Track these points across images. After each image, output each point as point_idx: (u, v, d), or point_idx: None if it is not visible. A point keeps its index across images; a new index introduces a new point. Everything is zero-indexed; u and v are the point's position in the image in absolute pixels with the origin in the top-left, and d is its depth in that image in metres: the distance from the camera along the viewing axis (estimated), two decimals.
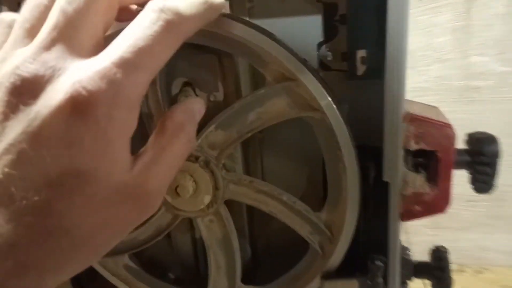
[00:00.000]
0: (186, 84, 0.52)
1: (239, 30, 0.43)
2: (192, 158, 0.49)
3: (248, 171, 0.56)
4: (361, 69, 0.45)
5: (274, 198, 0.50)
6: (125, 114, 0.26)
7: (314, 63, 0.51)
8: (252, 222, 0.61)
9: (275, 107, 0.46)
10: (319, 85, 0.43)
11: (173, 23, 0.29)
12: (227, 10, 0.44)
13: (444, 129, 0.42)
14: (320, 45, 0.51)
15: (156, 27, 0.28)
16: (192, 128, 0.33)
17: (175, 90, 0.52)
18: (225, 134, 0.48)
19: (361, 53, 0.45)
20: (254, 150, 0.56)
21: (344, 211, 0.47)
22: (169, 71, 0.52)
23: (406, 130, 0.45)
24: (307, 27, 0.51)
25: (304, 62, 0.43)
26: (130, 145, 0.28)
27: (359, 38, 0.45)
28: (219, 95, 0.51)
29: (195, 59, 0.51)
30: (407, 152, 0.46)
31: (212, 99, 0.51)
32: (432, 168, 0.46)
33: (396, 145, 0.44)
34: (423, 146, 0.45)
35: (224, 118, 0.48)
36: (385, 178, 0.46)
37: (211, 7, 0.34)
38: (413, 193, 0.47)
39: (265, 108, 0.46)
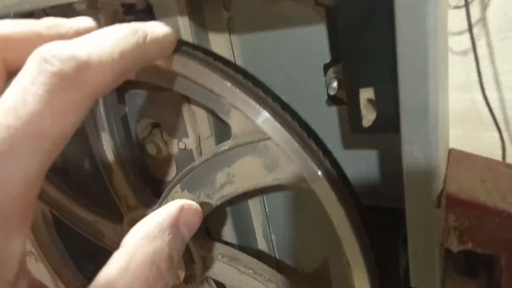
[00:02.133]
0: (154, 125, 0.41)
1: (187, 67, 0.30)
2: None
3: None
4: (368, 117, 0.28)
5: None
6: None
7: (320, 93, 0.37)
8: None
9: (247, 168, 0.33)
10: (300, 149, 0.29)
11: (66, 76, 0.21)
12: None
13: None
14: (326, 67, 0.35)
15: (36, 88, 0.20)
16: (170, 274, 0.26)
17: (142, 132, 0.42)
18: (192, 197, 0.37)
19: (367, 94, 0.28)
20: None
21: None
22: (133, 111, 0.41)
23: (444, 219, 0.28)
24: (307, 42, 0.35)
25: (278, 111, 0.31)
26: None
27: (363, 68, 0.28)
28: (190, 143, 0.39)
29: (160, 98, 0.39)
30: (448, 252, 0.29)
31: (181, 147, 0.39)
32: (490, 277, 0.28)
33: (428, 241, 0.28)
34: (472, 247, 0.27)
35: (188, 178, 0.36)
36: (413, 284, 0.30)
37: (147, 43, 0.26)
38: None
39: (236, 169, 0.33)
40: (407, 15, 0.24)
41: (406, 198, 0.29)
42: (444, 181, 0.29)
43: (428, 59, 0.24)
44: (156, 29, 0.28)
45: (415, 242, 0.29)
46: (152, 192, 0.45)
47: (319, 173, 0.30)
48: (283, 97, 0.39)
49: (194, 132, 0.39)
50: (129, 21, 0.40)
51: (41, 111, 0.20)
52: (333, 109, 0.38)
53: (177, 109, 0.39)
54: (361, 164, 0.39)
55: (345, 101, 0.36)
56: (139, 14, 0.38)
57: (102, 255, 0.33)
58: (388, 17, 0.26)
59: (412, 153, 0.27)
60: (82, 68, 0.22)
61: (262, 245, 0.48)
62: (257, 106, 0.30)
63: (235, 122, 0.32)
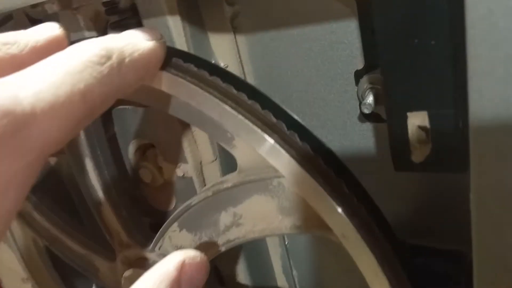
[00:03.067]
0: (148, 146, 0.35)
1: (177, 88, 0.24)
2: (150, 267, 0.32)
3: None
4: (419, 150, 0.21)
5: None
6: None
7: (350, 107, 0.29)
8: None
9: (258, 210, 0.26)
10: (325, 193, 0.22)
11: (1, 140, 0.16)
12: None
13: None
14: (358, 75, 0.27)
15: None
16: None
17: (134, 156, 0.35)
18: (192, 238, 0.30)
19: (418, 119, 0.20)
20: None
21: None
22: (123, 131, 0.34)
23: None
24: (333, 43, 0.28)
25: (295, 142, 0.23)
26: None
27: (412, 83, 0.20)
28: (189, 169, 0.32)
29: (153, 115, 0.32)
30: None
31: (179, 174, 0.32)
32: None
33: None
34: None
35: (186, 216, 0.29)
36: None
37: (123, 69, 0.20)
38: None
39: (244, 210, 0.27)
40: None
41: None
42: None
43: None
44: (137, 45, 0.21)
45: None
46: (151, 225, 0.38)
47: (351, 226, 0.22)
48: (302, 113, 0.32)
49: (194, 158, 0.32)
50: (113, 22, 0.33)
51: None
52: (368, 126, 0.30)
53: (174, 128, 0.32)
54: (406, 196, 0.31)
55: (384, 119, 0.28)
56: (123, 14, 0.31)
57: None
58: (451, 8, 0.18)
59: (486, 207, 0.19)
60: (23, 126, 0.16)
61: (282, 283, 0.40)
62: (266, 135, 0.23)
63: (240, 154, 0.25)
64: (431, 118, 0.20)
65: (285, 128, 0.23)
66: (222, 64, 0.32)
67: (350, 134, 0.31)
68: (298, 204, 0.24)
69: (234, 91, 0.24)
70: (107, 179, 0.33)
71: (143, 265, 0.35)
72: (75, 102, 0.17)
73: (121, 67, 0.20)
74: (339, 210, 0.22)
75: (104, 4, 0.31)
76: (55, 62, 0.18)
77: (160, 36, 0.23)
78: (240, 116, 0.23)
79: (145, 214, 0.39)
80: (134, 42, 0.21)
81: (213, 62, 0.32)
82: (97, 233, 0.38)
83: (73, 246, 0.40)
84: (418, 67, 0.20)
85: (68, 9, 0.32)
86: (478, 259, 0.21)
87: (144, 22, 0.29)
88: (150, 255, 0.34)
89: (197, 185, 0.33)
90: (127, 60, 0.20)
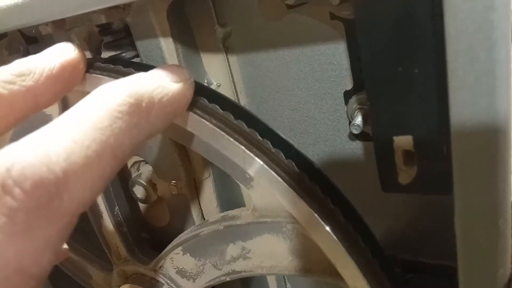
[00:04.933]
0: (142, 163, 0.35)
1: (200, 129, 0.24)
2: (148, 284, 0.33)
3: None
4: (405, 173, 0.21)
5: None
6: None
7: (340, 126, 0.30)
8: None
9: (268, 248, 0.27)
10: (342, 248, 0.23)
11: (36, 210, 0.15)
12: None
13: None
14: (347, 95, 0.28)
15: None
16: None
17: (129, 171, 0.35)
18: (195, 263, 0.30)
19: (403, 142, 0.21)
20: None
21: None
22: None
23: None
24: (322, 63, 0.28)
25: (312, 189, 0.23)
26: None
27: (397, 107, 0.21)
28: (183, 187, 0.32)
29: None
30: None
31: (173, 192, 0.33)
32: None
33: None
34: None
35: (192, 243, 0.29)
36: None
37: (152, 117, 0.19)
38: None
39: (253, 245, 0.27)
40: (463, 27, 0.16)
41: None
42: None
43: (498, 97, 0.16)
44: (166, 88, 0.20)
45: None
46: (147, 240, 0.38)
47: (362, 278, 0.22)
48: (293, 131, 0.32)
49: (187, 175, 0.32)
50: (107, 42, 0.34)
51: (5, 260, 0.14)
52: (358, 144, 0.30)
53: (168, 146, 0.32)
54: (397, 211, 0.31)
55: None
56: (117, 34, 0.32)
57: None
58: (434, 30, 0.18)
59: (470, 229, 0.19)
60: (57, 194, 0.15)
61: None
62: (286, 184, 0.23)
63: (258, 195, 0.25)
64: (416, 142, 0.21)
65: (308, 178, 0.23)
66: (215, 83, 0.32)
67: (340, 152, 0.31)
68: (311, 249, 0.25)
69: (259, 138, 0.24)
70: (110, 194, 0.33)
71: (140, 281, 0.35)
72: (105, 159, 0.17)
73: (150, 115, 0.19)
74: (354, 264, 0.22)
75: (97, 25, 0.32)
76: (82, 114, 0.17)
77: (188, 76, 0.22)
78: (262, 163, 0.23)
79: (144, 230, 0.39)
80: (163, 85, 0.20)
81: (205, 81, 0.32)
82: (91, 241, 0.38)
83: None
84: (403, 94, 0.20)
85: (62, 30, 0.32)
86: (464, 280, 0.21)
87: (138, 43, 0.30)
88: (149, 273, 0.34)
89: (191, 203, 0.33)
90: (156, 106, 0.19)
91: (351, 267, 0.23)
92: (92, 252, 0.40)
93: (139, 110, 0.18)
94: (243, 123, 0.24)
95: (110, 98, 0.18)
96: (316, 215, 0.22)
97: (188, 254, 0.31)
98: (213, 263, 0.30)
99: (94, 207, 0.34)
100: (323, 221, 0.22)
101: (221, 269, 0.29)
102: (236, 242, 0.27)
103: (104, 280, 0.40)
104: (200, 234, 0.29)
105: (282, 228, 0.25)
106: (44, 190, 0.15)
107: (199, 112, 0.24)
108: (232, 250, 0.28)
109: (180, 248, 0.31)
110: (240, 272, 0.28)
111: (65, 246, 0.24)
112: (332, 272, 0.24)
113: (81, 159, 0.16)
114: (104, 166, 0.17)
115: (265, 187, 0.24)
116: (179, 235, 0.31)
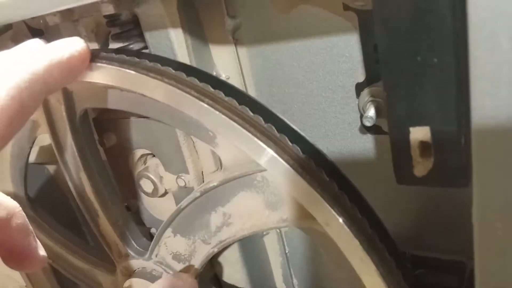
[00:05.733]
0: (150, 156, 0.35)
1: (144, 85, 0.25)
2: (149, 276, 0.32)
3: None
4: (422, 165, 0.21)
5: None
6: None
7: (351, 119, 0.30)
8: None
9: (245, 207, 0.27)
10: (305, 183, 0.22)
11: None
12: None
13: None
14: (359, 88, 0.27)
15: None
16: None
17: (136, 166, 0.35)
18: (187, 242, 0.30)
19: (420, 134, 0.21)
20: None
21: None
22: (124, 141, 0.34)
23: None
24: (334, 55, 0.28)
25: (272, 134, 0.24)
26: None
27: (414, 98, 0.20)
28: (191, 180, 0.32)
29: (154, 125, 0.32)
30: None
31: (181, 184, 0.32)
32: None
33: None
34: None
35: (178, 220, 0.30)
36: None
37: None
38: None
39: (232, 208, 0.28)
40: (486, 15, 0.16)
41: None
42: None
43: None
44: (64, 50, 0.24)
45: None
46: (151, 235, 0.38)
47: (333, 212, 0.22)
48: (303, 124, 0.32)
49: (195, 168, 0.32)
50: (115, 33, 0.33)
51: None
52: (369, 138, 0.30)
53: (175, 139, 0.32)
54: (408, 206, 0.31)
55: (385, 131, 0.29)
56: (125, 26, 0.31)
57: None
58: (454, 21, 0.18)
59: (489, 222, 0.19)
60: None
61: None
62: (244, 130, 0.23)
63: (224, 151, 0.26)
64: (433, 133, 0.20)
65: (263, 122, 0.24)
66: (223, 76, 0.32)
67: (351, 145, 0.31)
68: (283, 198, 0.25)
69: (211, 89, 0.24)
70: (101, 190, 0.33)
71: (142, 274, 0.35)
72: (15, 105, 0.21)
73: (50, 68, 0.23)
74: (321, 198, 0.22)
75: (105, 16, 0.31)
76: (6, 73, 0.22)
77: (84, 44, 0.25)
78: (217, 112, 0.23)
79: (146, 224, 0.39)
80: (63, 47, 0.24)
81: (214, 74, 0.32)
82: (99, 247, 0.37)
83: (75, 262, 0.39)
84: (421, 84, 0.20)
85: (69, 21, 0.32)
86: (481, 273, 0.21)
87: (146, 34, 0.30)
88: (148, 264, 0.34)
89: None
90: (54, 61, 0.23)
91: (319, 205, 0.23)
92: (100, 257, 0.39)
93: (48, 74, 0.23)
94: (196, 79, 0.25)
95: (29, 67, 0.22)
96: (278, 157, 0.23)
97: (178, 235, 0.31)
98: (202, 238, 0.30)
99: (89, 206, 0.34)
100: (287, 162, 0.23)
101: (210, 243, 0.30)
102: (217, 209, 0.28)
103: (112, 284, 0.39)
104: (182, 206, 0.29)
105: (253, 182, 0.25)
106: None
107: (151, 74, 0.25)
108: (215, 219, 0.28)
109: (170, 230, 0.31)
110: (226, 239, 0.29)
111: (43, 253, 0.24)
112: (306, 216, 0.24)
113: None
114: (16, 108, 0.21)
115: (227, 141, 0.25)
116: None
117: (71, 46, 0.25)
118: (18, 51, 0.24)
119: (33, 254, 0.24)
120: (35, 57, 0.23)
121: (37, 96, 0.23)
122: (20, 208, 0.24)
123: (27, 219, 0.25)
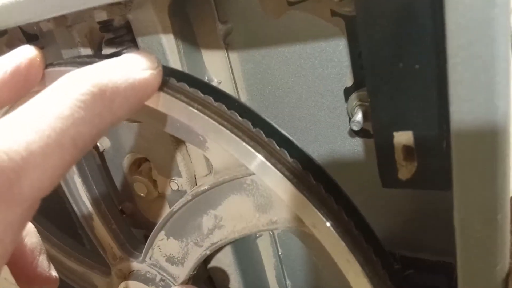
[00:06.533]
0: (142, 160, 0.35)
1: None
2: (143, 278, 0.33)
3: None
4: (405, 169, 0.21)
5: None
6: None
7: (340, 123, 0.30)
8: None
9: (236, 210, 0.28)
10: (292, 186, 0.23)
11: None
12: None
13: None
14: (347, 92, 0.28)
15: None
16: None
17: (129, 169, 0.35)
18: (179, 245, 0.31)
19: (403, 138, 0.21)
20: None
21: None
22: (117, 145, 0.35)
23: None
24: (322, 60, 0.28)
25: (261, 139, 0.24)
26: None
27: (398, 103, 0.21)
28: (184, 183, 0.32)
29: (147, 130, 0.33)
30: None
31: (174, 187, 0.33)
32: None
33: None
34: None
35: (171, 223, 0.30)
36: None
37: (116, 106, 0.19)
38: None
39: (223, 211, 0.28)
40: (464, 22, 0.16)
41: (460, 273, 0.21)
42: None
43: (497, 93, 0.17)
44: (131, 77, 0.20)
45: None
46: (145, 237, 0.38)
47: (319, 214, 0.23)
48: (293, 128, 0.32)
49: (188, 171, 0.32)
50: (108, 39, 0.34)
51: None
52: (358, 141, 0.31)
53: (168, 142, 0.32)
54: (396, 208, 0.31)
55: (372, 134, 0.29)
56: (118, 31, 0.32)
57: None
58: (434, 29, 0.19)
59: (469, 224, 0.20)
60: (17, 180, 0.15)
61: None
62: (233, 135, 0.23)
63: (214, 156, 0.26)
64: (416, 138, 0.21)
65: (252, 127, 0.24)
66: (215, 80, 0.33)
67: (340, 149, 0.31)
68: (272, 200, 0.26)
69: (201, 95, 0.24)
70: (96, 194, 0.33)
71: (136, 277, 0.35)
72: (65, 148, 0.17)
73: (113, 104, 0.19)
74: (307, 201, 0.23)
75: (98, 22, 0.32)
76: (44, 103, 0.17)
77: (157, 63, 0.22)
78: (206, 118, 0.23)
79: (140, 227, 0.39)
80: (129, 73, 0.20)
81: (206, 78, 0.32)
82: (94, 250, 0.38)
83: (70, 265, 0.40)
84: (403, 89, 0.20)
85: (63, 27, 0.32)
86: (463, 274, 0.22)
87: (139, 40, 0.30)
88: (142, 266, 0.34)
89: None
90: (121, 95, 0.19)
91: (306, 208, 0.23)
92: (95, 260, 0.40)
93: (102, 99, 0.18)
94: (186, 84, 0.24)
95: (73, 87, 0.18)
96: (266, 161, 0.23)
97: (171, 238, 0.31)
98: (194, 241, 0.30)
99: (84, 210, 0.34)
100: (275, 166, 0.23)
101: (203, 245, 0.30)
102: (208, 211, 0.28)
103: (107, 287, 0.40)
104: (174, 210, 0.29)
105: (243, 185, 0.26)
106: (4, 177, 0.15)
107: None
108: (207, 221, 0.29)
109: (163, 232, 0.32)
110: (218, 242, 0.29)
111: (55, 274, 0.24)
112: (294, 219, 0.25)
113: (41, 148, 0.16)
114: (64, 155, 0.17)
115: (217, 145, 0.25)
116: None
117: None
118: None
119: (45, 274, 0.24)
120: None
121: None
122: (34, 227, 0.24)
123: (40, 239, 0.25)
